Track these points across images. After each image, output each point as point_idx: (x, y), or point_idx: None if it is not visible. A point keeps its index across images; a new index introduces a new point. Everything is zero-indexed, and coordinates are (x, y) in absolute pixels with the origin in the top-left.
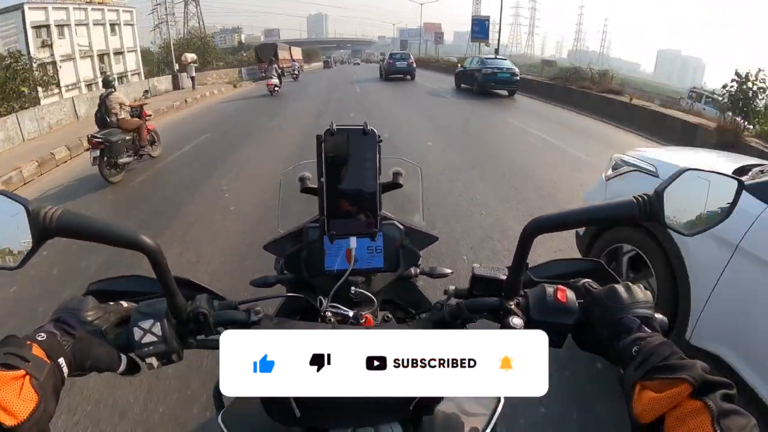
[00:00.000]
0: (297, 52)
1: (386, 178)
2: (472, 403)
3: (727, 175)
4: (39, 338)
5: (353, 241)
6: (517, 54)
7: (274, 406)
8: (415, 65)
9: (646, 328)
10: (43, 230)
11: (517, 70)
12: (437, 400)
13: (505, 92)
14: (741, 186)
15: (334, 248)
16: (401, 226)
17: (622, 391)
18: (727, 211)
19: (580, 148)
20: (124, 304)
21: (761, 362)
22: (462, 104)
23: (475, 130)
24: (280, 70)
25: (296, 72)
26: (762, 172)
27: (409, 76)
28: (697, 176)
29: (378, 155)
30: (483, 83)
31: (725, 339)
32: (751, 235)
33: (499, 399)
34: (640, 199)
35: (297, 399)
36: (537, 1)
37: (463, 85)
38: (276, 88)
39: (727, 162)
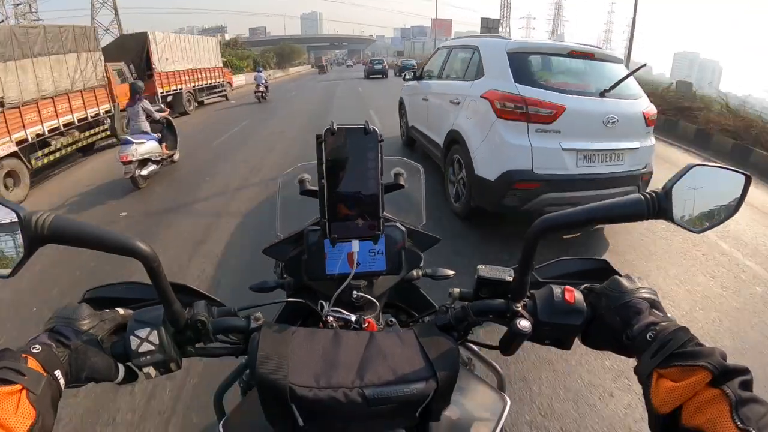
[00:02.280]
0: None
1: (387, 179)
2: (479, 407)
3: (734, 170)
4: (34, 351)
5: (355, 245)
6: None
7: (276, 413)
8: (387, 68)
9: (656, 312)
10: (35, 237)
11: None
12: (444, 406)
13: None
14: (748, 180)
15: (335, 252)
16: (403, 228)
17: (638, 381)
18: (735, 206)
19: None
20: (121, 311)
21: (481, 163)
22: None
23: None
24: (161, 110)
25: (261, 90)
26: None
27: (383, 75)
28: (705, 171)
29: (380, 155)
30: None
31: (479, 166)
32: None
33: (505, 402)
34: (648, 196)
35: (300, 406)
36: (562, 6)
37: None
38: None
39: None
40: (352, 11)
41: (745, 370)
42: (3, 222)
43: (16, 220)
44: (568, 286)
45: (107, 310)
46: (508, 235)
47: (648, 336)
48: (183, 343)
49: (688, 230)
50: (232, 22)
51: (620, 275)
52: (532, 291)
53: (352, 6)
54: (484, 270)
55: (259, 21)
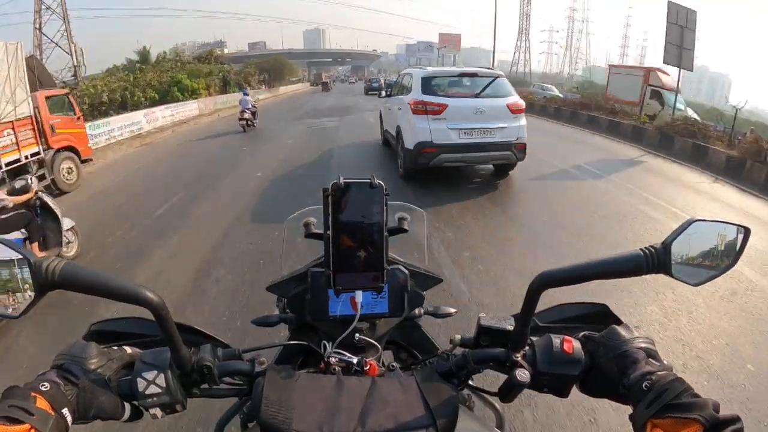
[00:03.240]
0: None
1: (391, 223)
2: None
3: (733, 224)
4: (43, 388)
5: (359, 296)
6: (553, 74)
7: None
8: (383, 85)
9: (653, 361)
10: (44, 283)
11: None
12: None
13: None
14: (748, 233)
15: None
16: (406, 271)
17: (633, 429)
18: (733, 259)
19: None
20: (128, 350)
21: (407, 140)
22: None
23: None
24: (24, 188)
25: (247, 116)
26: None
27: (378, 92)
28: (704, 225)
29: (385, 208)
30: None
31: (405, 142)
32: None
33: None
34: (647, 251)
35: None
36: (578, 20)
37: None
38: None
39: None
40: (356, 26)
41: (735, 420)
42: (16, 265)
43: (27, 264)
44: (566, 337)
45: (115, 348)
46: (425, 185)
47: (644, 386)
48: (189, 385)
49: (686, 283)
50: (232, 37)
51: (620, 321)
52: (531, 338)
53: (357, 21)
54: (486, 318)
55: (260, 35)
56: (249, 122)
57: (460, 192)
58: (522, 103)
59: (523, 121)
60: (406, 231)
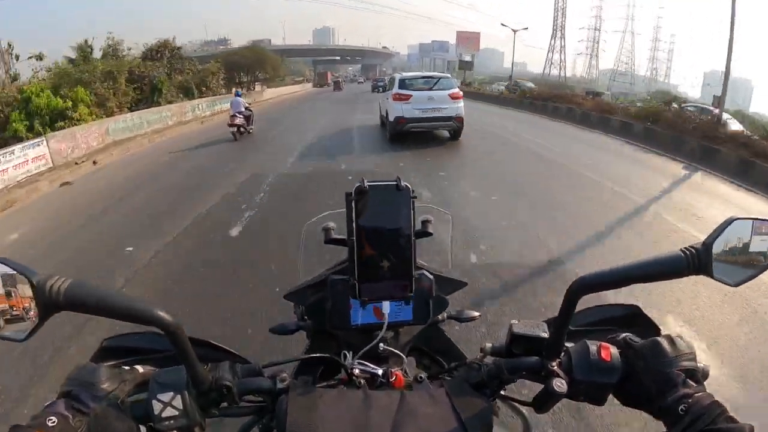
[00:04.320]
0: None
1: (416, 227)
2: None
3: None
4: (50, 424)
5: (386, 306)
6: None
7: None
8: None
9: (691, 383)
10: (49, 304)
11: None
12: None
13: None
14: None
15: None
16: (431, 276)
17: None
18: None
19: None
20: (140, 369)
21: (389, 115)
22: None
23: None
24: None
25: (238, 121)
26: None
27: (383, 89)
28: (744, 224)
29: (412, 212)
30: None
31: (389, 117)
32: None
33: None
34: (688, 252)
35: None
36: (602, 20)
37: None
38: None
39: None
40: (368, 24)
41: None
42: (18, 285)
43: (29, 285)
44: (603, 343)
45: (126, 368)
46: (404, 143)
47: (680, 409)
48: (207, 405)
49: (726, 284)
50: (238, 34)
51: (654, 324)
52: (566, 345)
53: (369, 19)
54: (518, 326)
55: (266, 34)
56: (241, 128)
57: (427, 147)
58: (460, 93)
59: (460, 103)
60: (430, 235)
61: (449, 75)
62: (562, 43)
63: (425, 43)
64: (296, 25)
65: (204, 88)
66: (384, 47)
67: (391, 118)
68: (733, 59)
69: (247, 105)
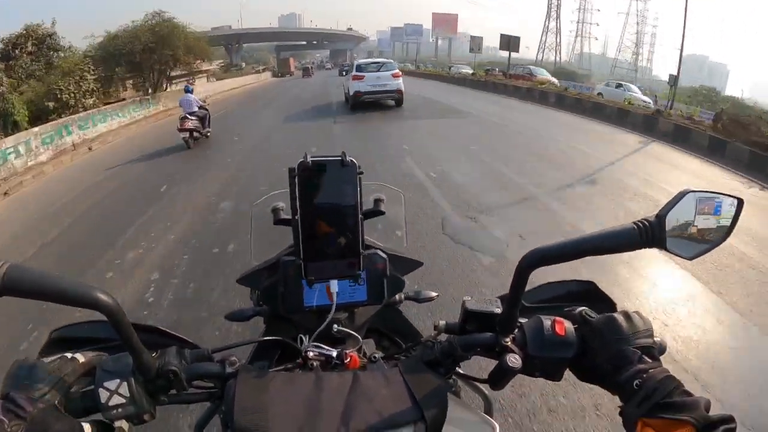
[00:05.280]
0: None
1: (367, 205)
2: None
3: (727, 195)
4: None
5: (334, 285)
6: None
7: None
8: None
9: (647, 359)
10: None
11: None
12: None
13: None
14: (741, 204)
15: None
16: (385, 255)
17: (623, 425)
18: (727, 230)
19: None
20: (81, 358)
21: (349, 90)
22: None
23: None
24: None
25: (190, 125)
26: None
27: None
28: (698, 197)
29: (359, 188)
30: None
31: (349, 92)
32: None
33: (493, 428)
34: (641, 225)
35: None
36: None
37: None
38: None
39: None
40: (336, 9)
41: (728, 419)
42: None
43: None
44: (557, 318)
45: (68, 355)
46: (361, 110)
47: (635, 384)
48: (155, 392)
49: (681, 257)
50: (197, 20)
51: (609, 299)
52: (521, 321)
53: (336, 3)
54: (471, 302)
55: (228, 20)
56: (194, 132)
57: (378, 112)
58: (399, 73)
59: (400, 80)
60: (383, 213)
61: (392, 60)
62: (558, 25)
63: (397, 27)
64: (259, 11)
65: (59, 102)
66: (349, 28)
67: (351, 93)
68: (709, 44)
69: (201, 103)
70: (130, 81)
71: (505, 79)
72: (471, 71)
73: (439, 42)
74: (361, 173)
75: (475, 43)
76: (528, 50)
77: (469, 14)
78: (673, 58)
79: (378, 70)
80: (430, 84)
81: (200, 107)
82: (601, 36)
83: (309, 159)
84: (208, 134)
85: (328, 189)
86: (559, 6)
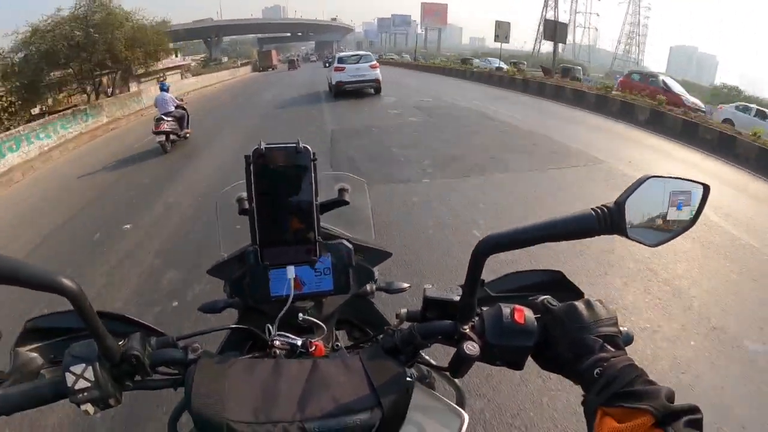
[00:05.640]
0: None
1: (332, 195)
2: (436, 425)
3: (691, 180)
4: None
5: (290, 271)
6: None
7: None
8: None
9: (609, 347)
10: None
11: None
12: (399, 425)
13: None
14: (707, 190)
15: (279, 273)
16: (350, 245)
17: (584, 414)
18: (693, 218)
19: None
20: (32, 354)
21: (332, 81)
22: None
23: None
24: None
25: (166, 126)
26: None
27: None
28: (660, 182)
29: (314, 174)
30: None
31: (331, 82)
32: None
33: (462, 419)
34: (599, 211)
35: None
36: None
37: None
38: None
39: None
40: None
41: (692, 410)
42: None
43: None
44: (517, 306)
45: (28, 351)
46: (344, 98)
47: (595, 372)
48: (120, 378)
49: (643, 244)
50: (179, 13)
51: (577, 289)
52: (482, 308)
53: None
54: (431, 290)
55: (211, 13)
56: (171, 135)
57: (358, 99)
58: (377, 64)
59: (378, 71)
60: (347, 203)
61: (370, 53)
62: (555, 15)
63: (384, 18)
64: (241, 4)
65: None
66: (333, 18)
67: (333, 83)
68: (698, 36)
69: (178, 102)
70: (76, 85)
71: (550, 78)
72: (503, 66)
73: (427, 33)
74: (315, 159)
75: (502, 30)
76: (525, 44)
77: (457, 4)
78: (662, 50)
79: (358, 62)
80: (453, 84)
81: (177, 107)
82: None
83: (263, 146)
84: (188, 136)
85: (283, 175)
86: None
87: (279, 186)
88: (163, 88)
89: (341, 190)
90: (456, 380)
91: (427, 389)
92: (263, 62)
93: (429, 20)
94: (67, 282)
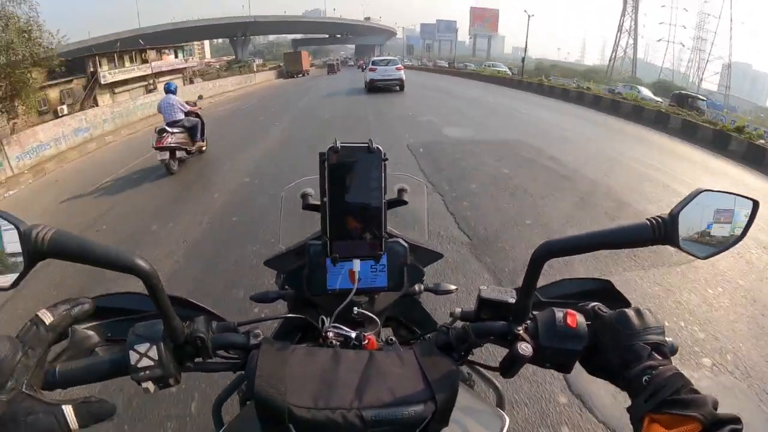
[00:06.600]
0: None
1: (391, 195)
2: (478, 426)
3: (742, 196)
4: None
5: (356, 264)
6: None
7: (273, 429)
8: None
9: (656, 356)
10: (34, 252)
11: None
12: (442, 427)
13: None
14: (756, 206)
15: (336, 267)
16: (405, 244)
17: (630, 421)
18: (742, 232)
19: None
20: (90, 332)
21: (367, 79)
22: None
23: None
24: None
25: (170, 139)
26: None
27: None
28: (713, 197)
29: (383, 174)
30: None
31: (366, 80)
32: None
33: (504, 421)
34: (654, 221)
35: (297, 427)
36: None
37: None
38: None
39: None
40: (363, 2)
41: (735, 420)
42: (4, 234)
43: (16, 233)
44: (570, 310)
45: (85, 330)
46: (375, 92)
47: (643, 380)
48: (182, 359)
49: (693, 256)
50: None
51: (624, 299)
52: (534, 312)
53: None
54: (486, 291)
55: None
56: (178, 151)
57: (386, 93)
58: (402, 66)
59: (402, 72)
60: (405, 203)
61: (397, 58)
62: (631, 24)
63: (428, 24)
64: (278, 5)
65: None
66: (367, 18)
67: (367, 80)
68: (753, 53)
69: (189, 107)
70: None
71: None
72: (654, 97)
73: (476, 41)
74: (386, 159)
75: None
76: (569, 55)
77: (506, 13)
78: (714, 68)
79: (387, 65)
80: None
81: (188, 113)
82: (642, 40)
83: (338, 144)
84: (203, 149)
85: (354, 173)
86: (637, 4)
87: (350, 183)
88: (170, 89)
89: (401, 191)
90: (497, 383)
91: (471, 389)
92: (291, 66)
93: (478, 27)
94: (142, 263)
